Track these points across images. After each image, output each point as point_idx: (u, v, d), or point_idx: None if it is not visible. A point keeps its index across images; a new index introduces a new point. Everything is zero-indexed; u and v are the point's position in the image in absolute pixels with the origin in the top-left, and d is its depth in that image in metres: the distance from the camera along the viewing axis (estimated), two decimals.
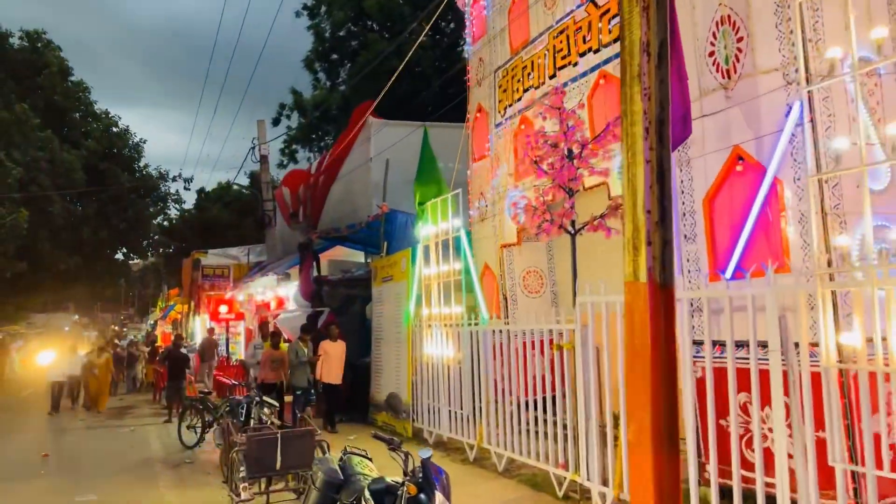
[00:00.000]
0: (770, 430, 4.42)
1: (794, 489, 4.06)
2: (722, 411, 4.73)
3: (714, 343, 4.87)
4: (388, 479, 4.13)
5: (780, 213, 4.95)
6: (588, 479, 5.68)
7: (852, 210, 4.58)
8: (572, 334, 6.03)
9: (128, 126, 36.93)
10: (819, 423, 3.98)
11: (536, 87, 9.50)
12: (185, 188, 39.11)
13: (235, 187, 35.43)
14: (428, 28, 12.93)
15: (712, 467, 4.47)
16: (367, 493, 4.11)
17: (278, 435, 6.03)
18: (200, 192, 40.70)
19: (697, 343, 5.12)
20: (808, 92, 4.60)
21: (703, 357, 4.73)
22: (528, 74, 9.68)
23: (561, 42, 8.93)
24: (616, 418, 5.53)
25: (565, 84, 8.42)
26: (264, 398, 8.43)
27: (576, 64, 8.59)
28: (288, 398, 11.12)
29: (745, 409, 4.79)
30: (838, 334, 3.78)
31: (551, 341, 6.43)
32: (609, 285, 5.47)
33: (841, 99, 4.74)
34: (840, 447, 3.82)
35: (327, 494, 4.48)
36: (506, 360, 7.26)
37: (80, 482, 8.36)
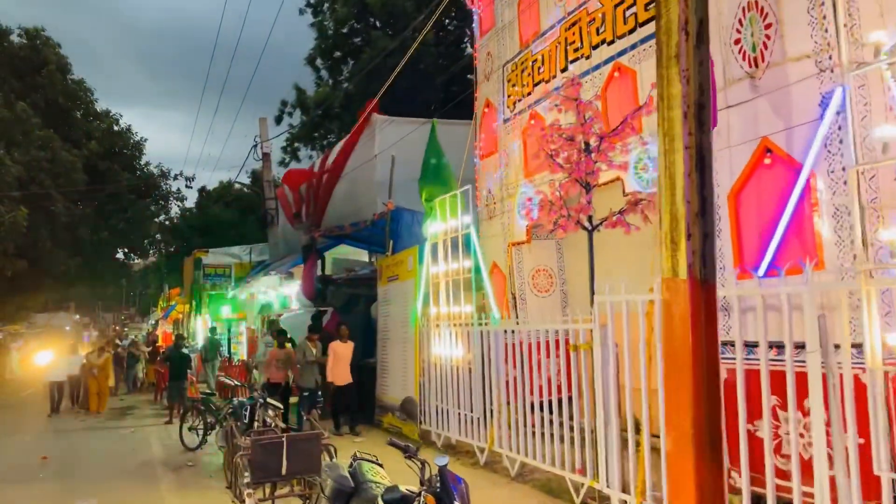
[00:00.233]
0: (804, 435, 4.19)
1: (833, 499, 3.83)
2: (749, 416, 4.50)
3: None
4: (403, 489, 3.90)
5: (813, 208, 4.71)
6: (608, 486, 5.44)
7: (890, 203, 4.35)
8: (590, 334, 5.80)
9: (129, 124, 36.69)
10: (859, 429, 3.75)
11: (547, 81, 9.27)
12: (187, 186, 38.81)
13: (237, 186, 35.25)
14: (430, 21, 12.67)
15: (744, 475, 4.23)
16: (380, 503, 3.88)
17: (284, 439, 5.79)
18: (202, 191, 40.52)
19: (724, 344, 4.89)
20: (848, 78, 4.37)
21: (733, 359, 4.50)
22: (539, 68, 9.45)
23: (573, 34, 8.69)
24: (637, 422, 5.30)
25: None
26: (268, 400, 8.22)
27: (589, 56, 8.37)
28: (293, 399, 10.90)
29: (773, 413, 4.56)
30: (883, 334, 3.54)
31: (567, 341, 6.20)
32: (626, 284, 5.25)
33: (877, 87, 4.51)
34: (886, 454, 3.58)
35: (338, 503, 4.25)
36: (518, 361, 7.03)
37: (80, 485, 8.15)
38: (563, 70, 8.83)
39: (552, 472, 6.42)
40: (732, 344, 4.63)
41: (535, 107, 9.40)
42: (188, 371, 13.82)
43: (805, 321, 3.86)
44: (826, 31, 4.70)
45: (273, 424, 7.83)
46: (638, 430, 5.29)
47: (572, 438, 6.03)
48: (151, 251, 41.65)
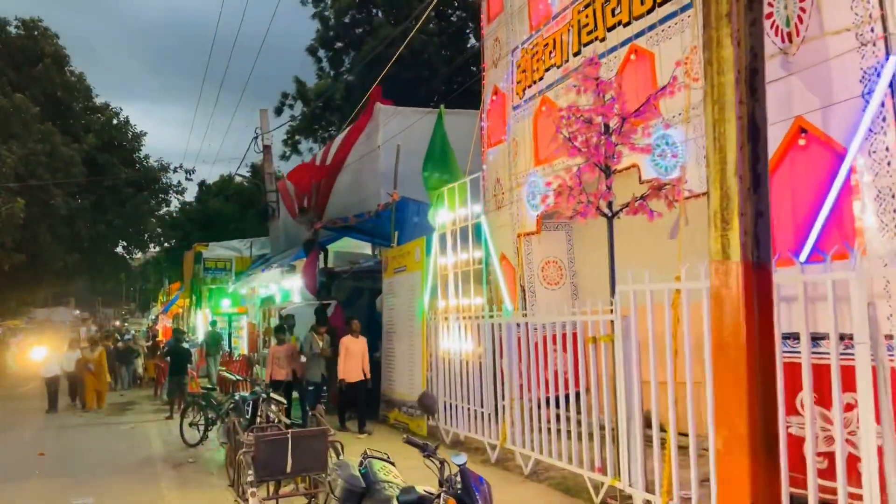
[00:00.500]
0: (851, 433, 3.92)
1: (884, 501, 3.56)
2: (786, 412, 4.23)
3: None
4: (420, 489, 3.63)
5: (853, 190, 4.42)
6: (630, 485, 5.17)
7: None
8: (610, 325, 5.52)
9: (128, 117, 36.33)
10: None
11: (559, 66, 8.96)
12: (188, 178, 38.52)
13: (238, 179, 34.92)
14: (431, 6, 12.36)
15: (783, 474, 3.96)
16: None
17: (289, 435, 5.52)
18: (201, 184, 40.21)
19: None
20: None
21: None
22: (550, 53, 9.13)
23: (587, 17, 8.37)
24: (658, 418, 5.03)
25: (577, 69, 7.88)
26: (272, 394, 7.96)
27: (603, 39, 8.05)
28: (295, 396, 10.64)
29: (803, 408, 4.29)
30: None
31: (576, 334, 5.92)
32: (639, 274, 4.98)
33: None
34: None
35: None
36: (532, 355, 6.76)
37: (77, 483, 7.91)
38: (576, 54, 8.52)
39: (568, 470, 6.16)
40: None
41: (546, 92, 9.09)
42: (188, 366, 13.57)
43: (853, 310, 3.58)
44: (868, 1, 4.40)
45: (276, 420, 7.58)
46: (663, 426, 5.03)
47: (591, 435, 5.76)
48: (151, 245, 41.39)
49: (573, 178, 5.56)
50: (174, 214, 39.56)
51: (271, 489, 5.99)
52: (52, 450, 10.20)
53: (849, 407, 3.97)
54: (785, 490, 3.93)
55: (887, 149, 4.26)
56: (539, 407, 6.59)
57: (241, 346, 19.20)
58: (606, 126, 5.59)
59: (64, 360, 15.56)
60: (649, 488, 5.06)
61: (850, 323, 3.69)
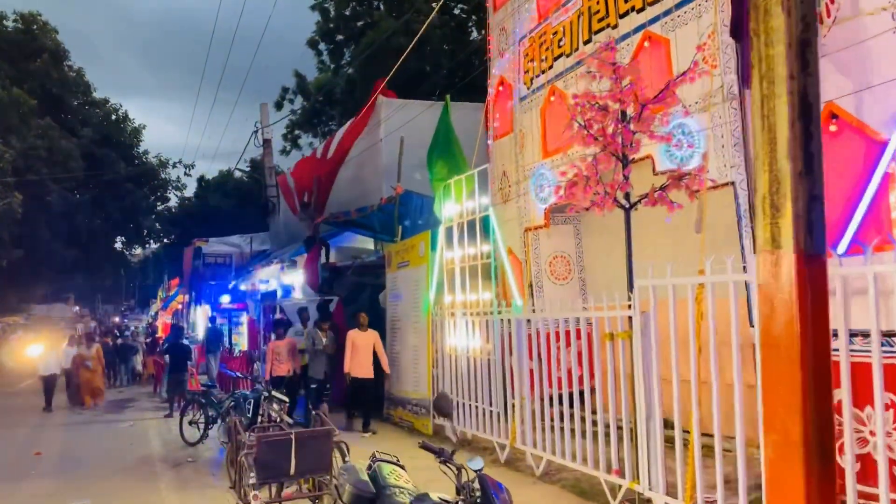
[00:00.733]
0: (887, 434, 3.69)
1: None
2: None
3: None
4: (435, 497, 3.41)
5: (889, 179, 4.19)
6: (650, 489, 4.95)
7: None
8: (628, 321, 5.29)
9: (126, 111, 36.06)
10: None
11: (568, 55, 8.71)
12: (186, 174, 38.16)
13: (238, 174, 34.64)
14: (440, 7, 12.14)
15: (850, 482, 3.73)
16: None
17: (292, 436, 5.29)
18: (200, 180, 39.92)
19: None
20: None
21: None
22: (559, 41, 8.88)
23: (598, 3, 8.12)
24: (680, 418, 4.80)
25: (593, 53, 7.62)
26: (273, 393, 7.74)
27: (615, 26, 7.80)
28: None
29: (838, 410, 4.06)
30: None
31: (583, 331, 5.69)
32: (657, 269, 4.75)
33: None
34: None
35: None
36: (544, 352, 6.53)
37: (74, 483, 7.71)
38: (587, 42, 8.27)
39: (581, 472, 5.93)
40: None
41: (555, 81, 8.84)
42: (188, 363, 13.35)
43: None
44: None
45: (278, 419, 7.36)
46: (684, 427, 4.80)
47: (607, 435, 5.53)
48: (150, 241, 41.17)
49: (589, 167, 5.31)
50: (173, 210, 39.31)
51: (273, 491, 5.77)
52: (48, 449, 9.98)
53: (885, 407, 3.75)
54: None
55: None
56: (551, 405, 6.36)
57: (242, 343, 18.97)
58: (623, 113, 5.34)
59: (63, 357, 15.32)
60: (670, 491, 4.84)
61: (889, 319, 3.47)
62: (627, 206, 5.42)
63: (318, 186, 15.51)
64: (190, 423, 9.72)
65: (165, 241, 41.25)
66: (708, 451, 4.64)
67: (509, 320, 7.17)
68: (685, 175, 5.13)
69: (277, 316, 13.94)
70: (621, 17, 7.73)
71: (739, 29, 5.18)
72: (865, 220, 4.22)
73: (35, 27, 30.38)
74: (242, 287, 19.75)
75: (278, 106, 25.97)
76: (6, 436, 11.47)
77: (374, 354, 9.61)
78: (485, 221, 8.17)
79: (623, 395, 5.29)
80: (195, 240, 26.83)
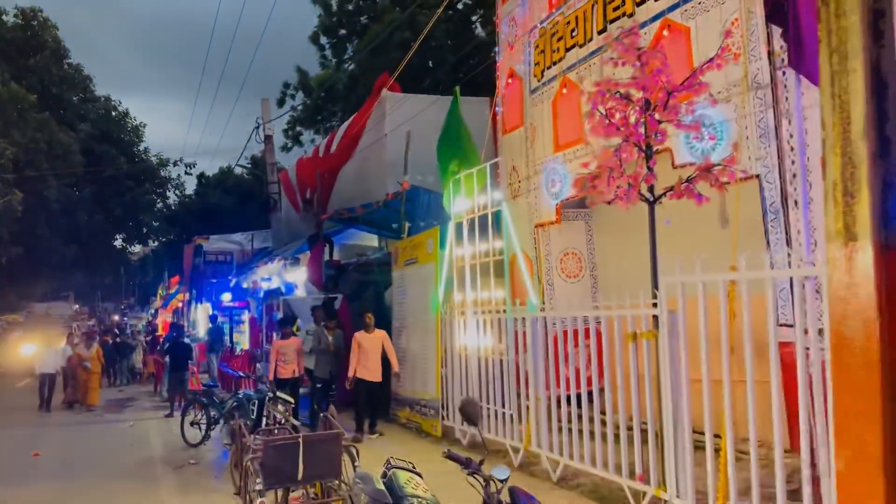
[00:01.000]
0: None
1: None
2: None
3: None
4: None
5: None
6: (678, 496, 4.70)
7: None
8: (653, 321, 5.04)
9: (127, 109, 35.78)
10: None
11: (581, 45, 8.45)
12: (187, 173, 37.92)
13: (238, 170, 34.36)
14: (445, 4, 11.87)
15: None
16: None
17: (300, 439, 5.04)
18: (201, 177, 39.65)
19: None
20: None
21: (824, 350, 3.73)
22: (572, 31, 8.62)
23: None
24: (711, 422, 4.55)
25: (617, 38, 7.37)
26: (278, 394, 7.49)
27: (632, 14, 7.53)
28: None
29: None
30: None
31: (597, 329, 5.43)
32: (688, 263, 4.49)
33: None
34: None
35: None
36: (561, 352, 6.28)
37: (72, 486, 7.48)
38: (601, 31, 8.01)
39: (600, 476, 5.69)
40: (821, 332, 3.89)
41: (567, 73, 8.59)
42: (189, 362, 13.11)
43: None
44: None
45: (284, 421, 7.11)
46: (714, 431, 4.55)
47: (630, 438, 5.29)
48: (150, 239, 40.93)
49: (612, 159, 5.06)
50: (173, 208, 39.05)
51: (279, 496, 5.53)
52: (47, 450, 9.74)
53: None
54: None
55: None
56: (568, 405, 6.12)
57: (243, 342, 18.74)
58: (648, 101, 5.08)
59: (61, 355, 15.08)
60: (700, 499, 4.60)
61: None
62: (652, 199, 5.16)
63: (321, 183, 15.25)
64: (191, 423, 9.47)
65: (163, 239, 41.00)
66: (738, 455, 4.40)
67: (523, 319, 6.92)
68: (713, 166, 4.87)
69: (280, 315, 13.69)
70: (638, 4, 7.47)
71: (778, 9, 4.92)
72: None
73: (35, 23, 30.09)
74: (244, 285, 19.50)
75: (280, 102, 25.70)
76: (3, 436, 11.23)
77: (383, 355, 9.31)
78: (497, 217, 7.91)
79: (647, 397, 5.04)
80: (196, 237, 26.60)
